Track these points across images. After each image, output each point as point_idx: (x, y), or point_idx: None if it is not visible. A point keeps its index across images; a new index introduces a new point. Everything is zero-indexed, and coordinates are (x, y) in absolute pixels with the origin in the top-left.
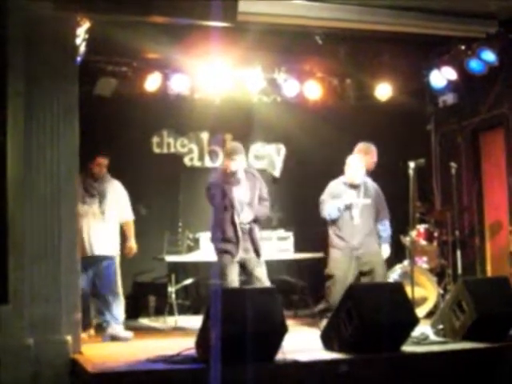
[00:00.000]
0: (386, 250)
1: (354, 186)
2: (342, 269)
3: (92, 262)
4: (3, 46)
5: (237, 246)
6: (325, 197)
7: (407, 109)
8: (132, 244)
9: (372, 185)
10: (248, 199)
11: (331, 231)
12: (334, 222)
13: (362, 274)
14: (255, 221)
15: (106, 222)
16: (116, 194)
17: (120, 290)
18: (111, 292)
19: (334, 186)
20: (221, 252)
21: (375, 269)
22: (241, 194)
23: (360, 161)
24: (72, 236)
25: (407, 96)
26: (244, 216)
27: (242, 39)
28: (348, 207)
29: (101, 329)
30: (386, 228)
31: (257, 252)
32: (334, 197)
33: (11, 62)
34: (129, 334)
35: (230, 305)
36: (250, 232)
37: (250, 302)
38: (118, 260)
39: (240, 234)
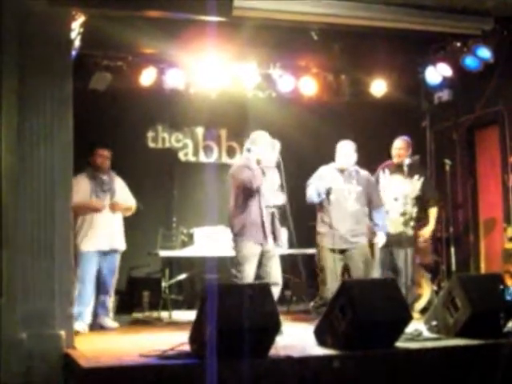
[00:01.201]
0: (381, 238)
1: (342, 172)
2: (330, 258)
3: (104, 256)
4: None
5: (263, 233)
6: (311, 179)
7: (402, 105)
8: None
9: (363, 173)
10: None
11: (319, 217)
12: (321, 208)
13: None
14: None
15: (117, 216)
16: (123, 191)
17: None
18: (113, 285)
19: (323, 169)
20: (243, 239)
21: (359, 262)
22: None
23: (351, 147)
24: (66, 231)
25: (402, 92)
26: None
27: (237, 34)
28: (329, 192)
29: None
30: (381, 216)
31: (277, 241)
32: (320, 179)
33: (5, 56)
34: (115, 324)
35: (223, 300)
36: (273, 218)
37: (244, 297)
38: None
39: (266, 220)
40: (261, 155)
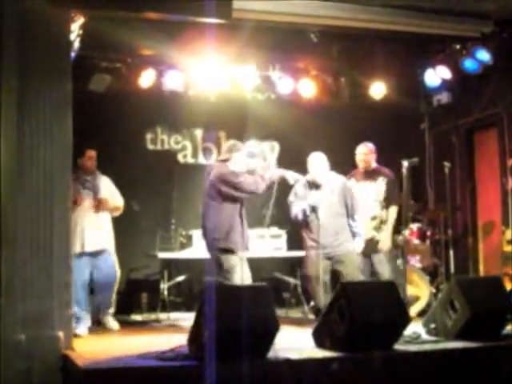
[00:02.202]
0: (358, 244)
1: (316, 186)
2: (315, 269)
3: (94, 257)
4: None
5: (243, 241)
6: (291, 198)
7: (401, 107)
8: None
9: (337, 180)
10: None
11: (303, 232)
12: (304, 222)
13: (335, 272)
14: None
15: (102, 216)
16: (109, 189)
17: (116, 284)
18: (108, 286)
19: (299, 185)
20: (227, 250)
21: (345, 268)
22: None
23: (322, 158)
24: (65, 232)
25: (401, 95)
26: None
27: (236, 36)
28: (314, 209)
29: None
30: (356, 224)
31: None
32: (299, 197)
33: (4, 57)
34: (115, 324)
35: (222, 302)
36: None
37: (242, 299)
38: (114, 253)
39: (245, 228)
40: (240, 166)
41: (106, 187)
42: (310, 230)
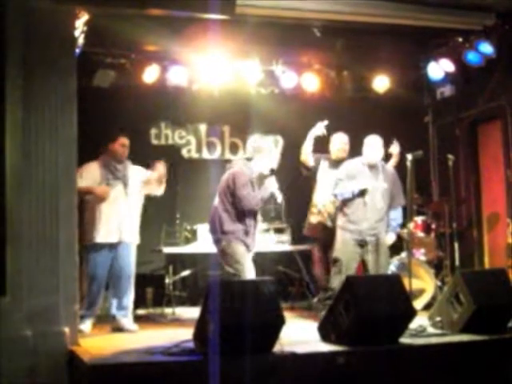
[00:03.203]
0: (391, 237)
1: (371, 167)
2: (347, 253)
3: (113, 248)
4: (2, 38)
5: (253, 240)
6: (342, 176)
7: (405, 101)
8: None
9: (389, 169)
10: None
11: (341, 213)
12: (344, 203)
13: (363, 261)
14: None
15: (130, 206)
16: (138, 179)
17: (133, 280)
18: (128, 281)
19: (352, 165)
20: (237, 241)
21: (379, 258)
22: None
23: (379, 141)
24: (70, 227)
25: (405, 88)
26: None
27: (239, 31)
28: (362, 192)
29: (103, 319)
30: (397, 217)
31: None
32: (350, 177)
33: (10, 54)
34: (135, 326)
35: (227, 296)
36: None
37: (248, 293)
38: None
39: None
40: (263, 167)
41: (137, 179)
42: (349, 211)
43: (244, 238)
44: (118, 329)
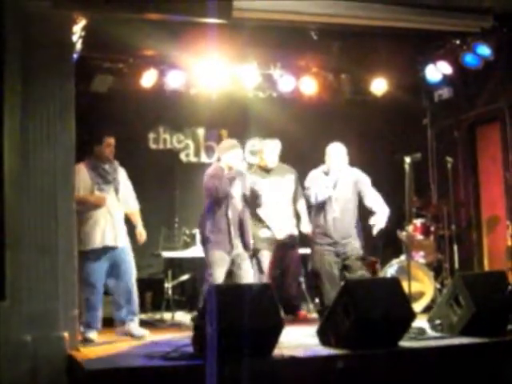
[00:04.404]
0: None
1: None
2: (326, 261)
3: (110, 253)
4: (0, 43)
5: (229, 240)
6: (308, 183)
7: (403, 103)
8: (142, 229)
9: (351, 173)
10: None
11: (313, 224)
12: (316, 214)
13: (344, 267)
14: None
15: (122, 211)
16: (126, 183)
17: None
18: (132, 284)
19: (316, 174)
20: (211, 246)
21: (356, 265)
22: (236, 188)
23: (341, 147)
24: (69, 231)
25: (403, 90)
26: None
27: (237, 35)
28: (335, 185)
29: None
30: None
31: (246, 246)
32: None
33: (8, 59)
34: (144, 331)
35: (226, 301)
36: (241, 225)
37: (247, 297)
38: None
39: (232, 227)
40: (230, 163)
41: (124, 184)
42: (320, 222)
43: (218, 240)
44: (126, 334)
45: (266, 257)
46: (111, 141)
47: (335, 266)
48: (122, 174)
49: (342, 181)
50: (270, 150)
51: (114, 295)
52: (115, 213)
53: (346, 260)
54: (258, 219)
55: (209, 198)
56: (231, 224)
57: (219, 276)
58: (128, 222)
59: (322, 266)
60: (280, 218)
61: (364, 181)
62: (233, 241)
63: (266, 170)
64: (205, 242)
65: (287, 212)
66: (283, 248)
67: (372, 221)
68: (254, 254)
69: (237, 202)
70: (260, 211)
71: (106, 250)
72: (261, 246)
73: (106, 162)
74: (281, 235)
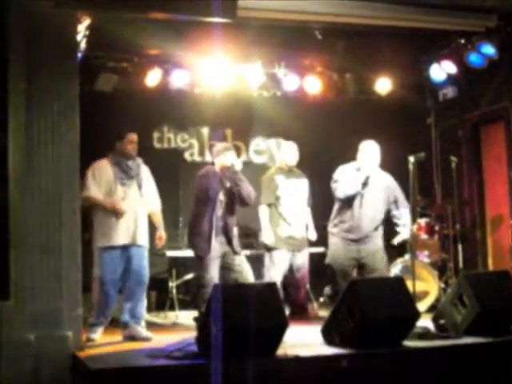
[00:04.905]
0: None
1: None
2: (342, 256)
3: (126, 251)
4: (4, 43)
5: (209, 242)
6: (337, 176)
7: (407, 103)
8: (162, 232)
9: (384, 176)
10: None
11: (337, 219)
12: (341, 209)
13: (360, 266)
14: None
15: (144, 208)
16: (149, 180)
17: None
18: (142, 286)
19: (346, 168)
20: (197, 247)
21: (374, 265)
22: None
23: (375, 146)
24: (73, 231)
25: (407, 90)
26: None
27: (241, 34)
28: (366, 181)
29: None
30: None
31: (232, 247)
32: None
33: (12, 58)
34: (149, 334)
35: (229, 300)
36: (225, 227)
37: (251, 297)
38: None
39: (214, 230)
40: (224, 164)
41: (148, 181)
42: (343, 217)
43: (196, 243)
44: (131, 337)
45: (282, 255)
46: (133, 137)
47: (352, 263)
48: (145, 171)
49: (373, 180)
50: (288, 149)
51: (123, 295)
52: (138, 209)
53: (363, 259)
54: (279, 218)
55: (195, 202)
56: (213, 228)
57: (213, 275)
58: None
59: (337, 261)
60: (298, 218)
61: (397, 188)
62: (212, 245)
63: (287, 171)
64: (191, 243)
65: (303, 214)
66: (299, 248)
67: (400, 230)
68: (270, 251)
69: (224, 205)
70: (282, 210)
71: (124, 247)
72: (279, 245)
73: (130, 159)
74: (300, 235)
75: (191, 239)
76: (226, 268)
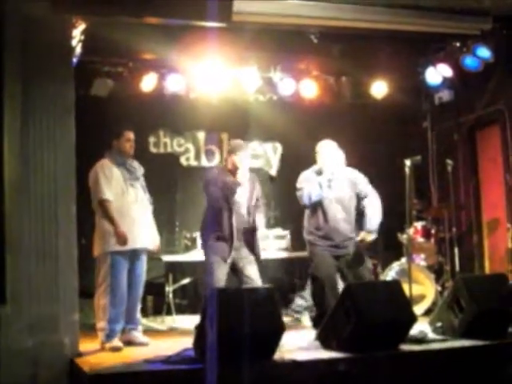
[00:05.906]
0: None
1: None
2: (328, 267)
3: (133, 255)
4: None
5: (230, 246)
6: (300, 184)
7: (403, 106)
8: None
9: (348, 172)
10: (247, 200)
11: (311, 227)
12: (312, 216)
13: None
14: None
15: (150, 209)
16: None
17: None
18: (141, 290)
19: (307, 174)
20: (212, 250)
21: (358, 269)
22: (242, 194)
23: (333, 146)
24: (70, 235)
25: (403, 93)
26: (241, 216)
27: (237, 38)
28: (329, 184)
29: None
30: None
31: (254, 253)
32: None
33: (7, 63)
34: (146, 339)
35: (227, 304)
36: (246, 233)
37: (248, 301)
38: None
39: (235, 234)
40: (239, 164)
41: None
42: (320, 226)
43: (216, 246)
44: (128, 342)
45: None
46: (130, 135)
47: (335, 270)
48: (142, 172)
49: (337, 180)
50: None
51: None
52: (144, 212)
53: (345, 263)
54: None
55: (209, 203)
56: (234, 231)
57: (221, 277)
58: None
59: (324, 270)
60: None
61: (363, 181)
62: (233, 248)
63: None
64: (204, 246)
65: None
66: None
67: (361, 236)
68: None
69: (242, 209)
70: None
71: (132, 252)
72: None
73: (128, 157)
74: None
75: (207, 242)
76: (238, 272)
